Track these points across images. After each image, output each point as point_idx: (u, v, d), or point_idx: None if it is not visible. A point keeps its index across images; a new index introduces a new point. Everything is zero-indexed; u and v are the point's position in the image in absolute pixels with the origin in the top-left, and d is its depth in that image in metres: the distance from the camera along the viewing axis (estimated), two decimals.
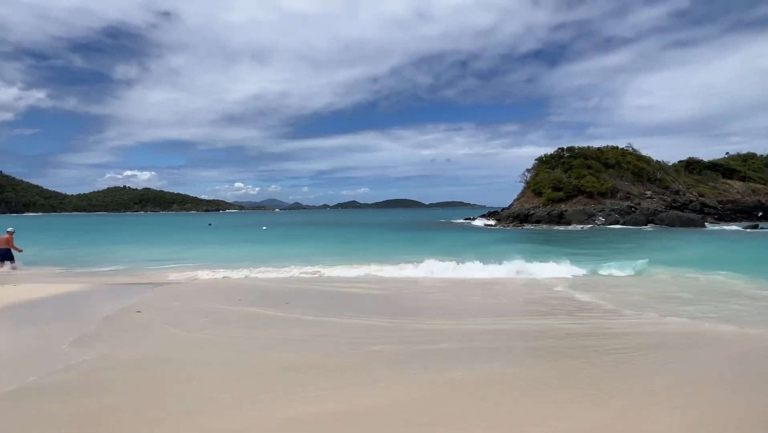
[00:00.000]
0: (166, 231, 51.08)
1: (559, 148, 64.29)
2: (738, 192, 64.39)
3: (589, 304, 9.53)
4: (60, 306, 9.40)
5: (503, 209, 63.37)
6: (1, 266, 15.97)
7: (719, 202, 59.71)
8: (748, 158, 77.16)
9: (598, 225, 48.81)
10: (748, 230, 39.73)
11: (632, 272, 14.01)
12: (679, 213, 49.89)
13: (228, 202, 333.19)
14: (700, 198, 58.54)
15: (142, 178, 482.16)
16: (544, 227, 49.45)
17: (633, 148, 65.51)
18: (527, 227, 50.57)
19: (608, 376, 5.04)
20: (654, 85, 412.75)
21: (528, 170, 64.25)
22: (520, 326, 7.74)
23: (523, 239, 34.52)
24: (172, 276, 14.59)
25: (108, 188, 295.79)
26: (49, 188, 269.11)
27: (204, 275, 14.63)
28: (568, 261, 14.79)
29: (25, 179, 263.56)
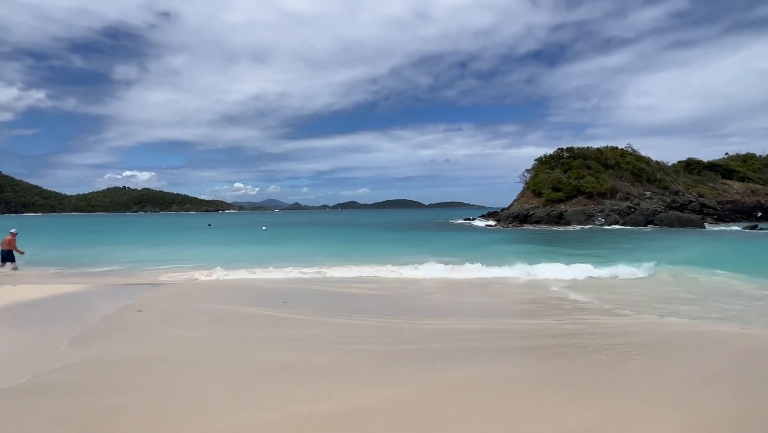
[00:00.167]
0: (165, 231, 51.07)
1: (558, 149, 64.40)
2: (737, 193, 64.43)
3: (589, 304, 9.53)
4: (59, 306, 9.38)
5: (503, 210, 63.39)
6: (2, 267, 15.96)
7: (718, 202, 59.75)
8: (747, 159, 77.27)
9: (598, 225, 48.83)
10: (748, 231, 39.75)
11: (645, 275, 13.53)
12: (679, 213, 49.91)
13: (227, 203, 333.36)
14: (700, 198, 58.56)
15: (141, 179, 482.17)
16: (544, 227, 49.46)
17: (632, 149, 65.58)
18: (527, 227, 50.58)
19: (608, 376, 5.03)
20: (653, 86, 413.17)
21: (527, 171, 64.32)
22: (519, 326, 7.73)
23: (522, 240, 34.53)
24: (172, 276, 14.58)
25: (107, 189, 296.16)
26: (49, 189, 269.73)
27: (203, 275, 14.62)
28: (568, 262, 14.79)
29: (25, 179, 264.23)
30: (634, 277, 13.49)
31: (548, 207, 54.72)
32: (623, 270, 14.02)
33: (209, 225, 67.84)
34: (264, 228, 53.67)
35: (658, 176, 60.47)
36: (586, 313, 8.64)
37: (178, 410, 4.10)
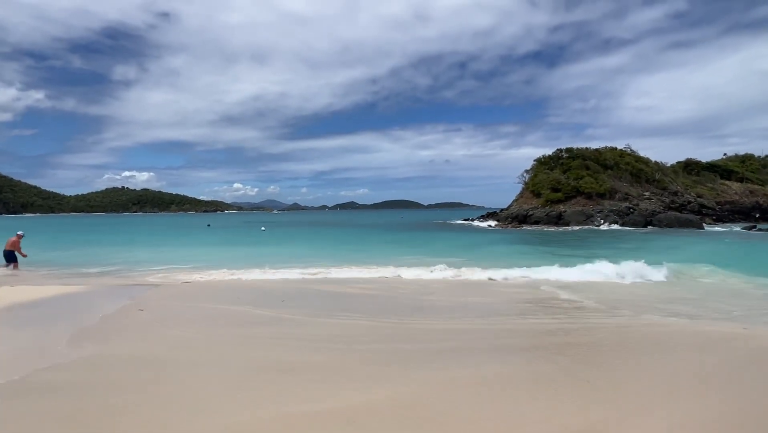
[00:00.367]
0: (164, 232, 51.03)
1: (557, 149, 64.59)
2: (736, 193, 64.53)
3: (589, 304, 9.53)
4: (58, 306, 9.36)
5: (502, 210, 63.47)
6: (7, 267, 16.00)
7: (717, 203, 59.86)
8: (746, 159, 77.47)
9: (597, 226, 48.87)
10: (746, 231, 39.81)
11: (663, 278, 12.97)
12: (678, 214, 50.00)
13: (227, 203, 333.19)
14: (699, 199, 58.66)
15: (140, 179, 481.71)
16: (543, 227, 49.51)
17: (631, 149, 65.74)
18: (526, 227, 50.63)
19: (608, 376, 5.03)
20: (652, 87, 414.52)
21: (527, 171, 64.46)
22: (518, 326, 7.72)
23: (521, 240, 34.54)
24: (171, 277, 14.56)
25: (106, 189, 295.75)
26: (48, 189, 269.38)
27: (202, 275, 14.60)
28: (568, 263, 14.80)
29: (24, 180, 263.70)
30: (642, 281, 12.96)
31: (547, 208, 54.77)
32: (630, 272, 13.41)
33: (208, 225, 67.81)
34: (263, 228, 53.67)
35: (657, 177, 60.57)
36: (586, 313, 8.64)
37: (177, 409, 4.08)
